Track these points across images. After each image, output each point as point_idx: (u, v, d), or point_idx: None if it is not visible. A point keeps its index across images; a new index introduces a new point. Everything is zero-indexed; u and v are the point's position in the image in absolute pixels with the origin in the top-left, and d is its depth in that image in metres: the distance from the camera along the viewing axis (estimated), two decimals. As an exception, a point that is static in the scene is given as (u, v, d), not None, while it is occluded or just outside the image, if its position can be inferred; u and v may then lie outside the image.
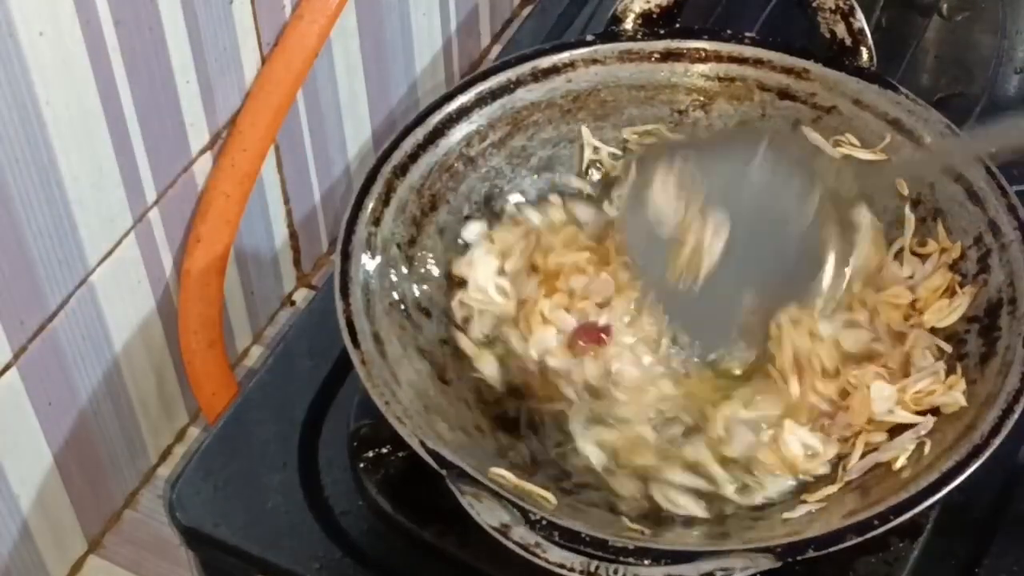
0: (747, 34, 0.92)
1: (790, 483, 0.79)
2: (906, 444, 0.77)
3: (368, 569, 0.80)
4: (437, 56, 1.27)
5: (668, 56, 0.92)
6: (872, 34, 0.90)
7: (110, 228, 0.97)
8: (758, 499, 0.78)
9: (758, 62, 0.91)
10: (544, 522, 0.71)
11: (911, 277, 0.86)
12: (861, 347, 0.83)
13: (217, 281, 1.06)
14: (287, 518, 0.82)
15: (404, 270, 0.85)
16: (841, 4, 0.90)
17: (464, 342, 0.84)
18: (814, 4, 0.90)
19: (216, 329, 1.07)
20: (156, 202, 1.00)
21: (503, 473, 0.75)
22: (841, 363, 0.82)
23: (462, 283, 0.87)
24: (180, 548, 0.86)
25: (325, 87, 1.13)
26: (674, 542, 0.74)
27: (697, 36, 0.92)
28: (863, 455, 0.78)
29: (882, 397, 0.79)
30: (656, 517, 0.77)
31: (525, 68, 0.90)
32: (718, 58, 0.92)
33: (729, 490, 0.78)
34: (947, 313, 0.83)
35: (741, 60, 0.91)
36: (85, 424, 1.01)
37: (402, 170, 0.86)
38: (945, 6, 1.11)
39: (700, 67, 0.92)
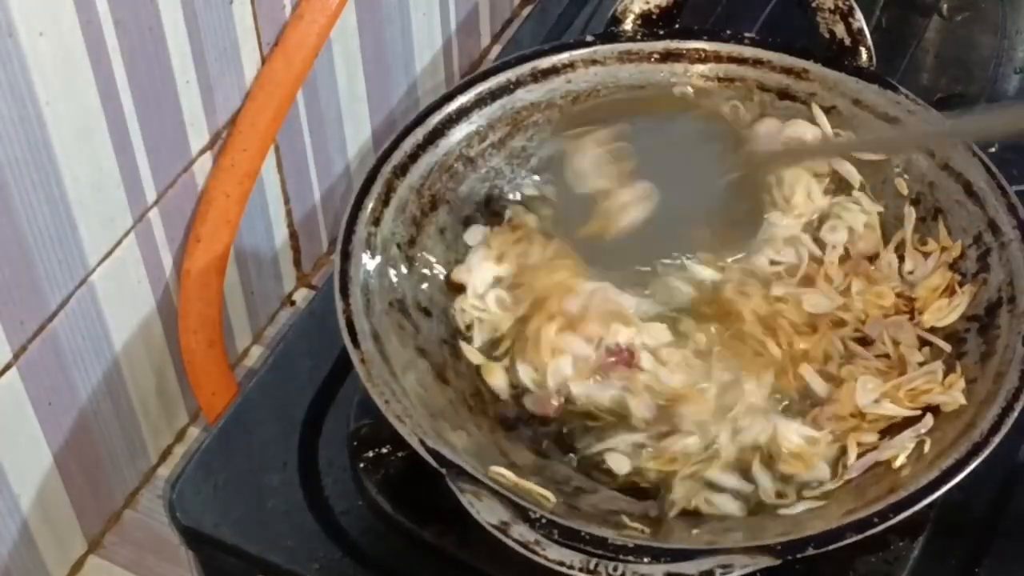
0: (747, 34, 0.92)
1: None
2: (906, 442, 0.77)
3: (368, 569, 0.80)
4: (437, 56, 1.27)
5: (668, 56, 0.92)
6: (872, 34, 0.90)
7: (110, 228, 0.97)
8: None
9: (758, 62, 0.91)
10: (544, 520, 0.71)
11: (912, 272, 0.86)
12: (824, 310, 0.84)
13: (217, 281, 1.06)
14: (287, 518, 0.82)
15: (404, 270, 0.85)
16: (841, 4, 0.90)
17: (471, 352, 0.84)
18: (814, 4, 0.90)
19: (216, 329, 1.07)
20: (156, 202, 1.00)
21: (503, 472, 0.75)
22: (810, 324, 0.83)
23: (462, 288, 0.87)
24: (180, 548, 0.86)
25: (325, 87, 1.13)
26: (674, 540, 0.74)
27: (697, 36, 0.92)
28: (862, 454, 0.78)
29: (866, 389, 0.79)
30: (657, 518, 0.78)
31: (525, 68, 0.90)
32: (718, 58, 0.92)
33: (768, 491, 0.78)
34: (947, 312, 0.83)
35: (741, 60, 0.92)
36: (85, 424, 1.01)
37: (402, 170, 0.86)
38: (945, 6, 1.11)
39: (700, 67, 0.92)
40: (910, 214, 0.87)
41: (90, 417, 1.01)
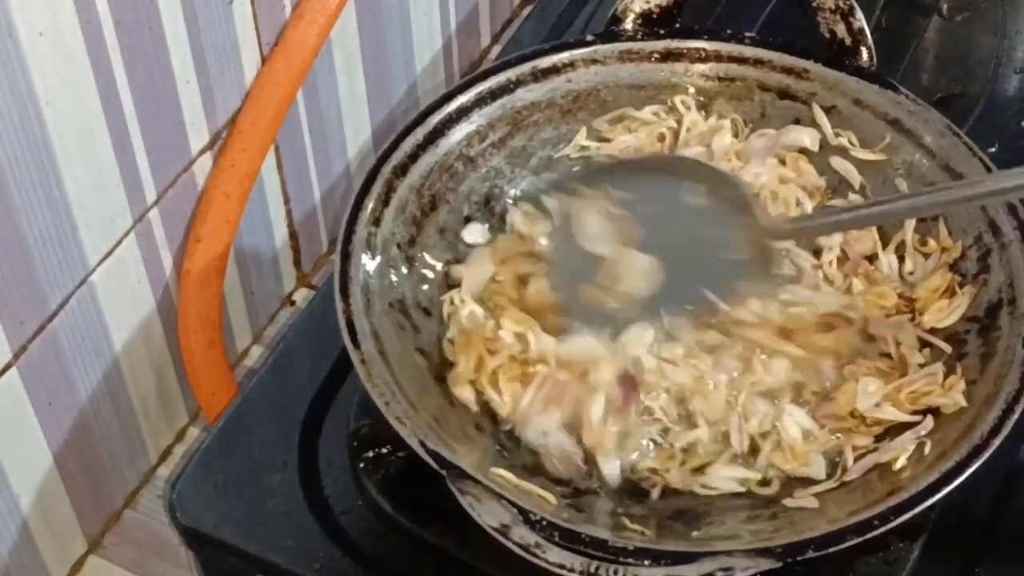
0: (747, 34, 0.92)
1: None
2: (906, 444, 0.77)
3: (368, 569, 0.80)
4: (437, 56, 1.27)
5: (668, 56, 0.92)
6: (872, 34, 0.90)
7: (110, 228, 0.97)
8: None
9: (758, 62, 0.91)
10: (544, 522, 0.71)
11: (912, 273, 0.86)
12: (834, 308, 0.84)
13: (217, 281, 1.06)
14: (287, 518, 0.82)
15: (404, 270, 0.85)
16: (841, 4, 0.90)
17: (450, 353, 0.83)
18: (814, 4, 0.90)
19: (216, 329, 1.07)
20: (156, 202, 1.00)
21: (503, 473, 0.75)
22: (826, 323, 0.83)
23: (458, 285, 0.86)
24: (180, 548, 0.86)
25: (325, 87, 1.13)
26: (675, 543, 0.74)
27: (697, 36, 0.92)
28: (861, 456, 0.78)
29: (867, 392, 0.79)
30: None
31: (525, 68, 0.90)
32: (718, 58, 0.92)
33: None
34: (947, 313, 0.83)
35: (741, 60, 0.92)
36: (85, 424, 1.01)
37: (402, 170, 0.86)
38: (945, 6, 1.11)
39: (700, 67, 0.92)
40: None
41: (90, 417, 1.01)
